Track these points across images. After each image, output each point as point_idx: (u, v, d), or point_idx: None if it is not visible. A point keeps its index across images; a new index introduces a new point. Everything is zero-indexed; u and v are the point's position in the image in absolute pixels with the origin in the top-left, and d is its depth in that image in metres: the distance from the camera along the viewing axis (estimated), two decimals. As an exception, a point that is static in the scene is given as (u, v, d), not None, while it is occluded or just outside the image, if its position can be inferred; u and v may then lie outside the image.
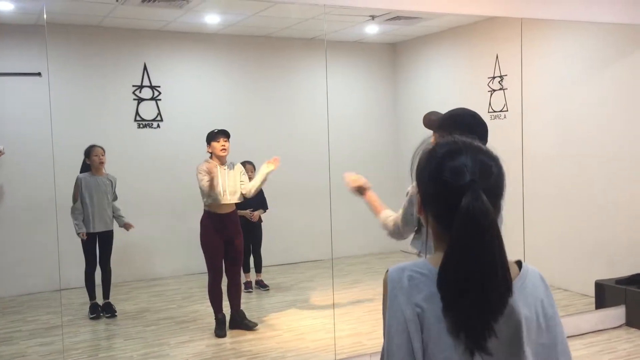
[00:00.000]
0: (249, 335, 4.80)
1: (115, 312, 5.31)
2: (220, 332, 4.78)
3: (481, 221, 1.14)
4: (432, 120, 2.56)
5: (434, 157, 1.24)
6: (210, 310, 4.92)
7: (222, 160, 4.75)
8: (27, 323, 5.19)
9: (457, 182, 1.18)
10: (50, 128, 4.14)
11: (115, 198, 5.32)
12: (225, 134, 4.75)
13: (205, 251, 4.79)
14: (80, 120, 6.19)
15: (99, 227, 5.21)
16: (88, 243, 5.22)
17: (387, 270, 1.24)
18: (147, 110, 6.45)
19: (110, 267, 5.34)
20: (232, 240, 4.80)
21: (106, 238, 5.29)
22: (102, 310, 5.30)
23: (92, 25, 6.14)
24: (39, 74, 5.27)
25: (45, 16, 4.02)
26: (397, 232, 2.64)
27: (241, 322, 4.89)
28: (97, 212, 5.20)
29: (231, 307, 4.90)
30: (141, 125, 6.44)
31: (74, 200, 5.15)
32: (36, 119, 5.44)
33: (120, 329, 5.07)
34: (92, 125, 6.24)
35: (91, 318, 5.23)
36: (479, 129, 2.42)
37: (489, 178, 1.20)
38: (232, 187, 4.76)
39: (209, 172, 4.54)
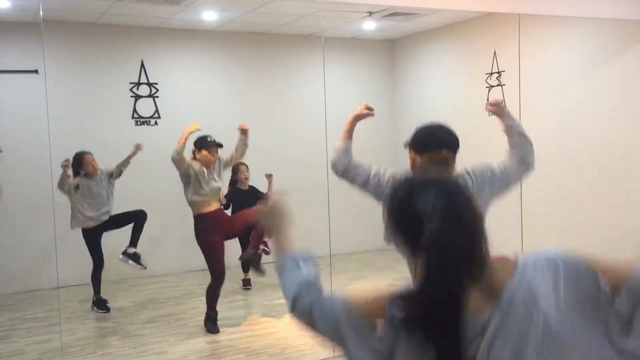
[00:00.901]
0: (247, 332, 4.80)
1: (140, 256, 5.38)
2: (213, 327, 4.79)
3: (444, 245, 1.11)
4: (406, 142, 2.63)
5: (394, 199, 1.23)
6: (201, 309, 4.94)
7: (206, 166, 4.78)
8: (25, 321, 5.19)
9: (415, 216, 1.15)
10: (47, 125, 4.14)
11: (120, 165, 5.40)
12: (218, 145, 4.79)
13: (206, 252, 4.76)
14: (78, 117, 6.17)
15: (98, 221, 5.24)
16: (91, 238, 5.24)
17: None
18: (145, 108, 6.44)
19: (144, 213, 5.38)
20: (227, 225, 4.85)
21: (115, 218, 5.32)
22: (127, 255, 5.34)
23: (89, 22, 6.12)
24: (35, 72, 5.25)
25: (41, 13, 4.00)
26: (337, 160, 2.82)
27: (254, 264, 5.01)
28: (97, 208, 5.24)
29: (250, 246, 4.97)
30: (139, 123, 6.43)
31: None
32: (33, 117, 5.43)
33: (118, 326, 5.07)
34: (89, 122, 6.23)
35: (100, 312, 5.28)
36: (442, 135, 2.49)
37: (445, 205, 1.15)
38: (216, 185, 4.81)
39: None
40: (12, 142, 5.70)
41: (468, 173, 2.56)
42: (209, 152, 4.71)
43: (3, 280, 5.83)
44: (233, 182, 5.75)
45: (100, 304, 5.34)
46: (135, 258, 5.34)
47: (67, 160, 5.09)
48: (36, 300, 5.68)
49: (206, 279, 4.88)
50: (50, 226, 4.29)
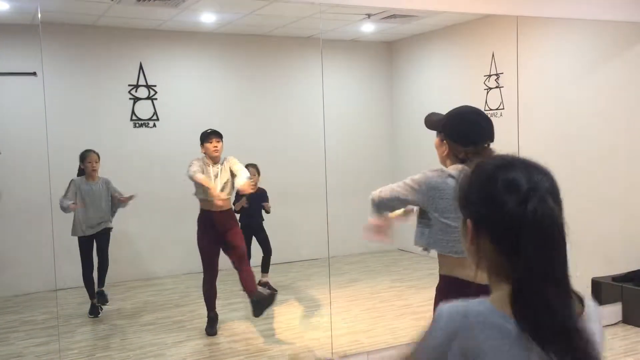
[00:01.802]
0: (246, 334, 4.79)
1: (107, 301, 5.41)
2: (210, 330, 4.79)
3: (552, 226, 1.04)
4: (435, 121, 2.48)
5: (483, 172, 1.13)
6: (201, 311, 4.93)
7: (214, 160, 4.76)
8: (23, 323, 5.18)
9: (515, 193, 1.06)
10: (45, 128, 4.13)
11: (116, 192, 5.34)
12: (217, 134, 4.76)
13: (200, 250, 4.80)
14: (76, 119, 6.17)
15: (93, 231, 5.22)
16: (84, 246, 5.22)
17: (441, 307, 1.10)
18: (143, 110, 6.44)
19: (107, 257, 5.36)
20: (227, 233, 4.79)
21: (102, 235, 5.30)
22: (97, 300, 5.33)
23: (87, 24, 6.12)
24: (34, 74, 5.25)
25: (40, 15, 4.00)
26: (377, 203, 2.55)
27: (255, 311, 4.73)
28: (92, 216, 5.20)
29: (248, 295, 4.75)
30: (137, 125, 6.43)
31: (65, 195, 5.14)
32: (31, 119, 5.42)
33: (117, 328, 5.06)
34: (87, 124, 6.23)
35: (90, 317, 5.25)
36: (486, 125, 2.36)
37: (546, 185, 1.10)
38: (223, 185, 4.77)
39: (206, 184, 4.57)
40: (10, 144, 5.70)
41: None
42: (210, 142, 4.73)
43: (1, 282, 5.82)
44: None
45: (92, 309, 5.31)
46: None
47: (74, 204, 5.07)
48: (34, 302, 5.67)
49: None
50: (48, 228, 4.28)
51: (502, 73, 6.14)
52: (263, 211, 5.81)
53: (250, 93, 7.03)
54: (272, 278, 5.95)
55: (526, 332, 1.01)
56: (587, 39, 5.63)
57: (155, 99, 6.48)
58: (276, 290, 5.89)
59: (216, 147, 4.73)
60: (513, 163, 1.13)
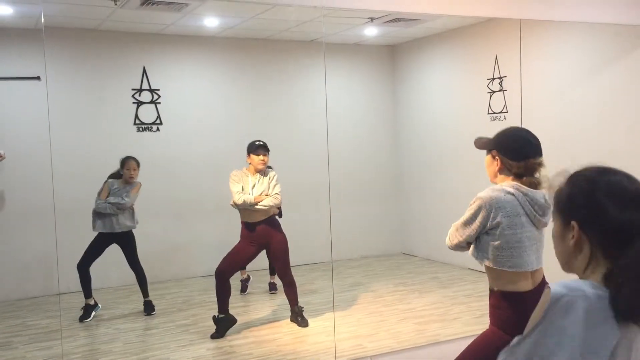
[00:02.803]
0: (250, 338, 4.78)
1: (154, 309, 5.43)
2: (215, 332, 4.79)
3: None
4: (485, 141, 2.69)
5: (589, 179, 1.29)
6: (211, 313, 4.92)
7: (257, 171, 4.93)
8: (26, 327, 5.18)
9: (624, 196, 1.22)
10: (49, 132, 4.14)
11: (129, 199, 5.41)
12: (265, 148, 4.93)
13: (235, 247, 4.95)
14: (79, 123, 6.18)
15: (116, 229, 5.27)
16: (99, 240, 5.27)
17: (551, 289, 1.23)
18: (147, 114, 6.45)
19: (140, 266, 5.41)
20: (267, 245, 4.96)
21: (126, 239, 5.35)
22: (144, 310, 5.42)
23: (90, 28, 6.14)
24: (37, 78, 5.26)
25: (43, 20, 4.01)
26: (456, 250, 2.70)
27: (294, 318, 5.01)
28: (117, 216, 5.27)
29: (290, 305, 5.04)
30: (140, 129, 6.44)
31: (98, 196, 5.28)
32: (35, 123, 5.44)
33: (120, 332, 5.06)
34: (91, 128, 6.24)
35: (80, 319, 5.21)
36: (535, 141, 2.59)
37: None
38: (250, 200, 4.87)
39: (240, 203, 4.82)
40: (14, 148, 5.71)
41: None
42: (258, 155, 4.89)
43: (4, 287, 5.83)
44: None
45: (84, 311, 5.28)
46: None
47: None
48: (37, 307, 5.67)
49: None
50: (51, 233, 4.28)
51: (505, 76, 6.13)
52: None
53: (253, 97, 7.04)
54: (275, 281, 5.94)
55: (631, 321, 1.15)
56: (590, 42, 5.62)
57: (159, 102, 6.49)
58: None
59: (263, 160, 4.90)
60: (613, 170, 1.30)
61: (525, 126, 3.16)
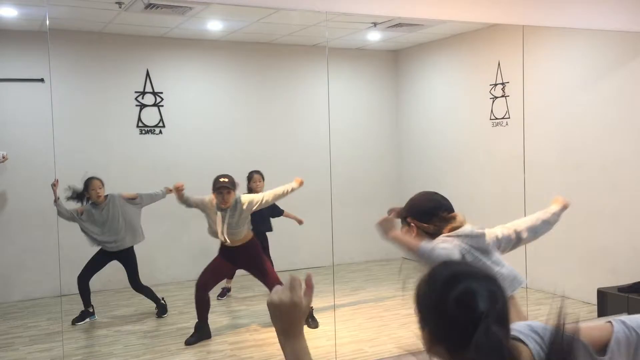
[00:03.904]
0: (250, 342, 4.78)
1: (166, 312, 5.44)
2: (190, 338, 4.77)
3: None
4: (398, 210, 2.65)
5: (434, 286, 1.16)
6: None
7: (223, 208, 4.76)
8: (27, 329, 5.18)
9: (465, 314, 1.11)
10: (52, 134, 4.15)
11: (136, 196, 5.30)
12: (227, 186, 4.67)
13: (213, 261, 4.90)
14: (83, 126, 6.20)
15: (109, 248, 5.23)
16: (99, 254, 5.25)
17: None
18: (150, 117, 6.47)
19: (142, 285, 5.33)
20: (243, 267, 4.95)
21: (125, 257, 5.28)
22: (157, 313, 5.41)
23: (94, 31, 6.16)
24: (41, 80, 5.28)
25: (48, 22, 4.03)
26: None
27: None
28: (108, 237, 5.19)
29: None
30: (143, 132, 6.45)
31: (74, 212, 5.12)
32: (39, 125, 5.45)
33: (120, 335, 5.06)
34: (94, 131, 6.26)
35: (72, 322, 5.20)
36: (443, 200, 2.55)
37: (497, 304, 1.12)
38: (233, 229, 4.76)
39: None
40: (18, 150, 5.72)
41: (498, 239, 2.60)
42: (220, 194, 4.68)
43: (6, 288, 5.83)
44: (248, 191, 5.74)
45: (80, 315, 5.27)
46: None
47: (56, 180, 4.94)
48: (39, 308, 5.67)
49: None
50: (53, 234, 4.30)
51: (508, 82, 6.13)
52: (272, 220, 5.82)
53: (256, 100, 7.05)
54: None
55: None
56: (593, 48, 5.62)
57: (162, 105, 6.50)
58: None
59: (225, 199, 4.67)
60: (462, 276, 1.15)
61: (527, 132, 3.16)
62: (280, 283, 4.80)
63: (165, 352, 4.60)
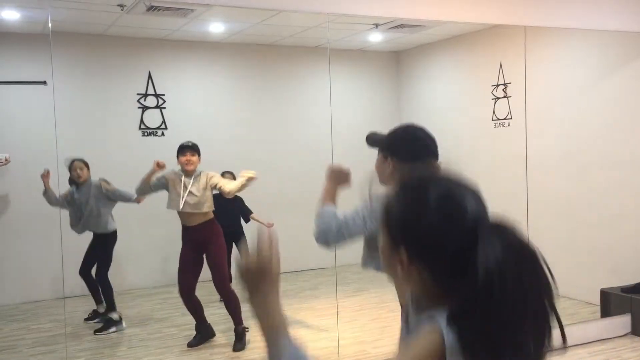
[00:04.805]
0: (253, 343, 4.78)
1: (110, 327, 5.13)
2: (192, 340, 4.76)
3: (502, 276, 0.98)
4: (377, 139, 2.40)
5: (424, 201, 1.04)
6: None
7: (187, 173, 4.74)
8: (30, 331, 5.19)
9: (462, 228, 1.02)
10: (55, 136, 4.16)
11: (115, 191, 5.20)
12: (191, 148, 4.75)
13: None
14: (85, 128, 6.21)
15: (77, 230, 5.15)
16: (91, 242, 5.23)
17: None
18: (152, 119, 6.47)
19: (103, 278, 5.16)
20: (204, 251, 4.77)
21: (99, 242, 5.20)
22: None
23: (97, 33, 6.17)
24: (44, 82, 5.28)
25: (50, 25, 4.04)
26: (327, 230, 2.38)
27: (236, 344, 4.68)
28: (75, 219, 5.13)
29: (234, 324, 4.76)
30: (145, 134, 6.46)
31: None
32: (41, 127, 5.46)
33: (123, 337, 5.07)
34: (96, 133, 6.26)
35: (85, 320, 5.23)
36: (430, 142, 2.28)
37: (487, 213, 1.05)
38: (195, 198, 4.70)
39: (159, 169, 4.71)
40: (20, 152, 5.73)
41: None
42: (184, 156, 4.72)
43: (9, 290, 5.84)
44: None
45: (91, 314, 5.30)
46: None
47: (46, 170, 4.96)
48: (42, 310, 5.68)
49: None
50: (56, 236, 4.30)
51: (509, 83, 6.13)
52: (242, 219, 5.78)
53: (258, 102, 7.05)
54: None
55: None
56: (595, 49, 5.62)
57: (164, 107, 6.51)
58: None
59: (189, 160, 4.72)
60: (453, 188, 1.07)
61: (529, 133, 3.14)
62: (226, 279, 4.71)
63: (169, 353, 4.60)
